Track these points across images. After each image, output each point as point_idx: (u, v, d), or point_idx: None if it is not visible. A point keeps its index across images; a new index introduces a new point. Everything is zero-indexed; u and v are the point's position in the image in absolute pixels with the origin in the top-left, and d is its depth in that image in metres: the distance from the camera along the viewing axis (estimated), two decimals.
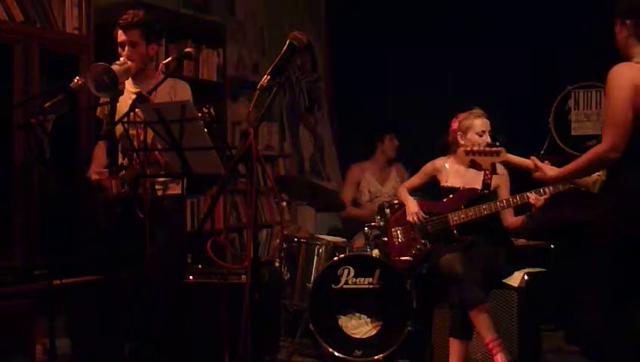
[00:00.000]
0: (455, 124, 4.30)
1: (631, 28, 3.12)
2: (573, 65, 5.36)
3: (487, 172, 3.65)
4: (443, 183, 4.30)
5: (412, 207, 4.28)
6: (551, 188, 3.80)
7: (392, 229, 4.34)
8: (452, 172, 4.28)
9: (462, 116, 4.24)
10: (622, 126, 2.96)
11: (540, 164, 3.30)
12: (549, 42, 5.45)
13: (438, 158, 4.38)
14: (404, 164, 5.62)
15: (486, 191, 3.95)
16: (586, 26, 5.20)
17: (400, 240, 4.30)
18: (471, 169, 3.83)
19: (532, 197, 3.87)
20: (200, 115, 3.07)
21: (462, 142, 4.16)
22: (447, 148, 4.44)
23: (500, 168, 4.16)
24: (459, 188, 4.21)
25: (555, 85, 5.53)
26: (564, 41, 5.37)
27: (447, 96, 5.56)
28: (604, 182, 3.21)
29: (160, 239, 3.47)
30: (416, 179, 4.48)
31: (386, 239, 4.36)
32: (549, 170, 3.27)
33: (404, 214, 4.31)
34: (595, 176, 3.29)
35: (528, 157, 3.38)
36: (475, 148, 3.48)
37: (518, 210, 4.11)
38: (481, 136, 4.11)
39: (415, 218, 4.23)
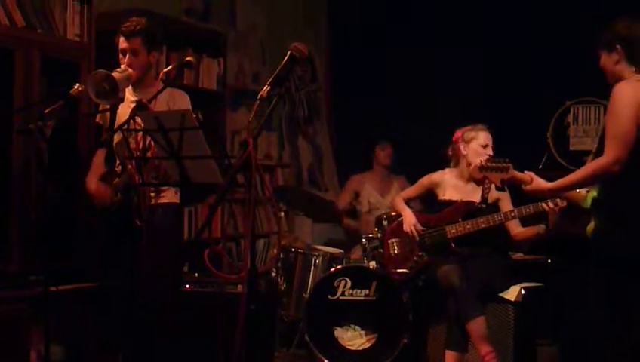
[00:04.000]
0: (458, 134, 4.28)
1: (621, 52, 3.16)
2: (573, 81, 5.37)
3: (487, 188, 3.69)
4: (440, 197, 4.30)
5: (409, 218, 4.26)
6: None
7: (389, 241, 4.34)
8: (450, 186, 4.27)
9: (465, 129, 4.25)
10: (626, 140, 2.98)
11: (535, 177, 3.32)
12: (548, 57, 5.47)
13: (436, 172, 4.37)
14: (406, 176, 5.61)
15: (484, 206, 3.96)
16: (586, 41, 5.21)
17: (396, 251, 4.31)
18: (472, 183, 3.96)
19: (547, 206, 3.83)
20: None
21: (464, 151, 4.19)
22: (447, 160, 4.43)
23: None
24: (456, 201, 4.20)
25: (554, 100, 5.54)
26: (563, 55, 5.39)
27: (446, 109, 5.58)
28: (596, 198, 3.21)
29: (156, 247, 3.47)
30: (412, 191, 4.48)
31: (382, 250, 4.36)
32: (544, 183, 3.28)
33: (400, 225, 4.31)
34: (583, 191, 3.30)
35: (524, 172, 3.41)
36: (489, 165, 3.46)
37: (526, 221, 4.09)
38: (484, 148, 4.13)
39: (412, 229, 4.21)
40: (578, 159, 5.21)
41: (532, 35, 5.57)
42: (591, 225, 3.18)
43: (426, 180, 4.38)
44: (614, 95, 3.06)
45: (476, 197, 4.08)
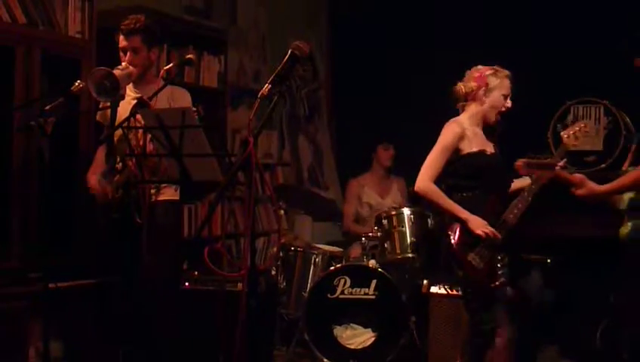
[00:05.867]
0: (481, 78, 3.69)
1: None
2: (573, 81, 5.37)
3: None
4: (467, 150, 3.62)
5: (477, 221, 3.50)
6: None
7: (468, 256, 3.51)
8: (473, 135, 3.67)
9: (486, 70, 3.72)
10: None
11: (586, 180, 3.25)
12: (549, 56, 5.47)
13: (450, 123, 3.69)
14: (405, 178, 5.60)
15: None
16: (586, 41, 5.22)
17: (481, 264, 3.51)
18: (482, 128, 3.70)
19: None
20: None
21: (484, 98, 3.66)
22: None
23: None
24: (485, 151, 3.66)
25: (554, 100, 5.54)
26: (563, 55, 5.39)
27: (447, 107, 5.58)
28: (634, 199, 3.18)
29: (155, 245, 3.47)
30: (441, 161, 3.62)
31: (460, 272, 3.56)
32: (597, 187, 3.21)
33: (466, 234, 3.52)
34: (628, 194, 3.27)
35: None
36: (535, 162, 3.31)
37: None
38: (505, 98, 3.68)
39: (487, 231, 3.48)
40: (578, 159, 5.22)
41: (532, 34, 5.57)
42: (626, 227, 3.15)
43: (451, 138, 3.62)
44: None
45: (488, 147, 3.68)
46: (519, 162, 3.37)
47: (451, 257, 3.56)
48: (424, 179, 3.59)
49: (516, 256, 3.57)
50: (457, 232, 3.54)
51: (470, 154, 3.60)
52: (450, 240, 3.54)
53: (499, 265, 3.52)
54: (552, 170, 3.31)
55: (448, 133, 3.63)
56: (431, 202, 3.62)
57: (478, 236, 3.46)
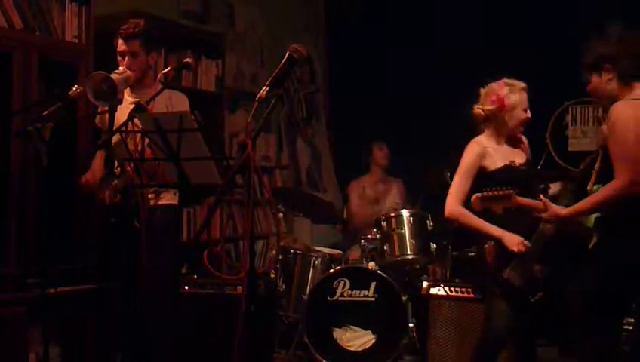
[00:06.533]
0: (494, 97, 3.59)
1: (611, 70, 3.19)
2: (571, 81, 5.36)
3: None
4: (492, 168, 3.55)
5: (512, 237, 3.41)
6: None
7: (504, 274, 3.45)
8: (494, 151, 3.59)
9: (502, 89, 3.61)
10: (635, 161, 2.98)
11: (549, 204, 3.25)
12: (547, 57, 5.47)
13: (471, 145, 3.62)
14: (403, 180, 5.61)
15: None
16: (584, 42, 5.22)
17: (518, 281, 3.45)
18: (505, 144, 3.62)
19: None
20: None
21: (506, 117, 3.57)
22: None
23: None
24: (514, 163, 3.58)
25: (552, 100, 5.55)
26: (562, 55, 5.39)
27: (445, 110, 5.59)
28: (599, 217, 3.21)
29: (154, 249, 3.47)
30: (466, 183, 3.54)
31: (497, 289, 3.52)
32: (560, 210, 3.23)
33: (501, 250, 3.47)
34: None
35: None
36: (490, 194, 3.22)
37: None
38: (525, 112, 3.59)
39: (522, 248, 3.41)
40: (576, 159, 5.22)
41: (531, 34, 5.58)
42: (593, 241, 3.19)
43: (472, 158, 3.56)
44: (613, 117, 3.05)
45: (517, 157, 3.62)
46: (474, 197, 3.31)
47: (488, 276, 3.53)
48: (452, 204, 3.54)
49: (557, 265, 3.50)
50: (492, 250, 3.51)
51: (496, 171, 3.53)
52: (486, 258, 3.52)
53: (538, 277, 3.45)
54: (509, 200, 3.24)
55: (469, 154, 3.58)
56: (463, 225, 3.56)
57: (514, 252, 3.40)
